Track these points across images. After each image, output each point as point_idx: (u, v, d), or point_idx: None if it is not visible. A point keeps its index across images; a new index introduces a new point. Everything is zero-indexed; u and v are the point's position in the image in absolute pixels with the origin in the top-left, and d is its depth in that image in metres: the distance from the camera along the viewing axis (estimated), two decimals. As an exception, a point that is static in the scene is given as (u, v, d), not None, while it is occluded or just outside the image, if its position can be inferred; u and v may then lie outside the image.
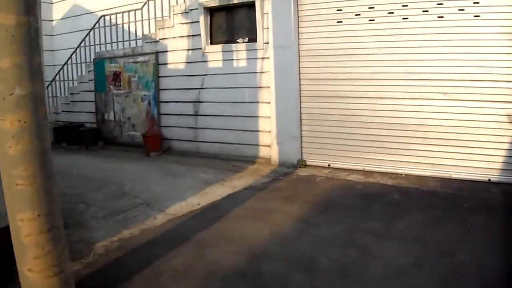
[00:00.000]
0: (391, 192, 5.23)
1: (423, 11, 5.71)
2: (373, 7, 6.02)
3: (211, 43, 7.96)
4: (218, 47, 7.83)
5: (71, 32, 12.16)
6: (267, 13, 7.02)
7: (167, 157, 8.25)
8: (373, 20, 6.04)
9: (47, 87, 11.57)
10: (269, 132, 7.18)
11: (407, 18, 5.82)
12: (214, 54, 7.87)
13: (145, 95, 9.03)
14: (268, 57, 7.09)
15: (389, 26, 5.90)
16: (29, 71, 2.57)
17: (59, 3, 12.91)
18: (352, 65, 6.26)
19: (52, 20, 13.10)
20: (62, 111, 11.05)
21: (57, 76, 11.41)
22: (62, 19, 12.83)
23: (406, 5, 5.79)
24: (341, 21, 6.28)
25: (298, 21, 6.68)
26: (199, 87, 8.12)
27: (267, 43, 7.11)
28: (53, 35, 13.19)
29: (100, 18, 9.91)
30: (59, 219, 2.86)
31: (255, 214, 4.62)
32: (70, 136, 10.20)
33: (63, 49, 12.28)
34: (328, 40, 6.41)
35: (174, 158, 8.09)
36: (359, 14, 6.11)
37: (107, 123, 9.91)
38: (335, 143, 6.54)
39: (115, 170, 7.27)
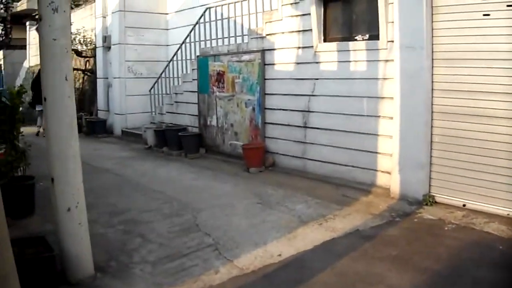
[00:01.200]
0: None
1: None
2: (535, -4, 4.81)
3: (324, 41, 7.26)
4: (332, 45, 7.09)
5: (184, 26, 12.29)
6: (393, 3, 6.11)
7: (268, 175, 7.77)
8: (535, 14, 4.83)
9: (154, 84, 11.90)
10: (390, 155, 6.27)
11: None
12: (327, 54, 7.16)
13: (249, 99, 8.64)
14: (393, 60, 6.17)
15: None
16: None
17: (173, -5, 13.20)
18: (503, 74, 5.07)
19: (167, 14, 13.43)
20: (167, 112, 11.23)
21: (164, 73, 11.64)
22: (176, 12, 13.09)
23: None
24: (488, 14, 5.13)
25: (432, 14, 5.65)
26: (309, 93, 7.47)
27: (392, 41, 6.19)
28: (167, 29, 13.56)
29: (205, 11, 9.76)
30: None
31: (345, 285, 3.87)
32: (171, 141, 10.30)
33: (177, 44, 12.50)
34: (471, 39, 5.28)
35: (275, 177, 7.58)
36: (513, 6, 4.94)
37: (209, 128, 9.76)
38: (474, 177, 5.41)
39: (201, 190, 7.01)
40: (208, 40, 9.87)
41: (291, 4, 7.59)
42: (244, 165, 8.26)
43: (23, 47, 22.26)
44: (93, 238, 4.92)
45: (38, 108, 14.90)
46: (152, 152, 10.70)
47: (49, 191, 7.60)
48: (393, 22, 6.13)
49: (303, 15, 7.42)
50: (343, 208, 5.86)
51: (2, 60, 25.38)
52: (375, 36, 6.53)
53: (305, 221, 5.40)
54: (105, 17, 13.83)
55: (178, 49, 10.96)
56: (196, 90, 10.07)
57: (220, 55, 9.32)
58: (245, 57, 8.63)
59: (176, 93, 10.87)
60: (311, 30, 7.28)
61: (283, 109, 7.97)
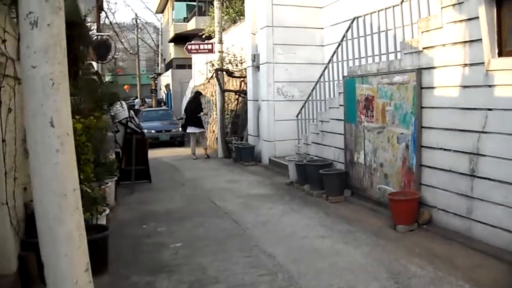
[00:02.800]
0: None
1: None
2: None
3: (499, 55, 5.41)
4: (511, 61, 5.25)
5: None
6: None
7: (419, 238, 6.11)
8: None
9: (301, 109, 10.89)
10: None
11: None
12: (504, 74, 5.29)
13: (402, 133, 7.06)
14: None
15: None
16: None
17: (327, 7, 12.09)
18: None
19: (322, 28, 12.33)
20: (312, 143, 10.08)
21: (311, 96, 10.56)
22: (332, 26, 11.92)
23: None
24: None
25: None
26: (479, 129, 5.65)
27: None
28: (323, 46, 12.45)
29: (353, 21, 8.42)
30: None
31: None
32: (312, 178, 9.12)
33: (334, 62, 11.39)
34: None
35: (428, 242, 5.89)
36: None
37: (356, 166, 8.34)
38: None
39: (322, 257, 5.64)
40: (356, 58, 8.51)
41: (453, 5, 5.88)
42: (392, 219, 6.71)
43: (191, 66, 23.20)
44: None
45: (189, 130, 15.06)
46: (291, 190, 9.63)
47: (150, 237, 6.90)
48: None
49: (469, 19, 5.64)
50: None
51: (171, 78, 26.96)
52: None
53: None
54: (254, 34, 13.25)
55: (325, 69, 9.78)
56: (343, 118, 8.75)
57: (368, 75, 7.89)
58: (397, 78, 7.08)
59: (321, 121, 9.67)
60: (480, 40, 5.52)
61: (444, 149, 6.24)
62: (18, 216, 5.20)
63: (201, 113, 15.28)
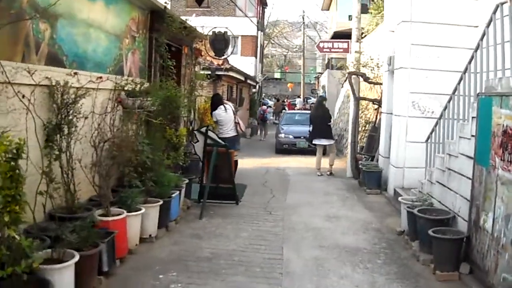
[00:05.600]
0: None
1: None
2: None
3: None
4: None
5: (506, 42, 7.85)
6: None
7: None
8: None
9: (431, 132, 8.04)
10: None
11: None
12: None
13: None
14: None
15: None
16: None
17: (486, -3, 8.77)
18: None
19: (476, 26, 8.95)
20: (436, 182, 7.18)
21: (444, 116, 7.62)
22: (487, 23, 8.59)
23: None
24: None
25: None
26: None
27: None
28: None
29: (495, 12, 5.42)
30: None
31: None
32: (422, 234, 6.34)
33: (493, 71, 8.22)
34: None
35: None
36: None
37: (480, 232, 5.39)
38: None
39: None
40: (499, 70, 5.48)
41: None
42: None
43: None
44: None
45: (316, 141, 12.90)
46: (396, 245, 6.88)
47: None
48: None
49: None
50: None
51: (327, 79, 24.77)
52: None
53: None
54: (393, 32, 10.41)
55: (460, 80, 6.82)
56: (473, 156, 5.81)
57: (509, 95, 4.91)
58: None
59: (449, 155, 6.74)
60: None
61: None
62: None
63: (331, 122, 12.89)
